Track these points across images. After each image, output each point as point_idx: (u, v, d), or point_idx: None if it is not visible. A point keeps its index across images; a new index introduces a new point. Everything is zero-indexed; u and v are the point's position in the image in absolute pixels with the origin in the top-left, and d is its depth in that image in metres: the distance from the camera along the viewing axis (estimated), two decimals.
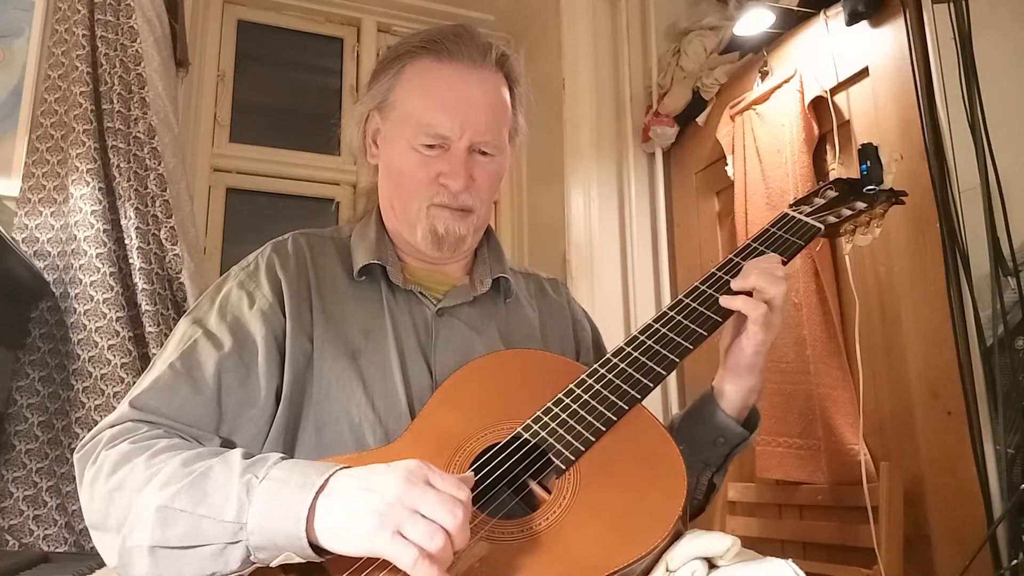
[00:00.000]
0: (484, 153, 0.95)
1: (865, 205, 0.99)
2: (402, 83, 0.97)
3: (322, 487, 0.67)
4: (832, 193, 1.02)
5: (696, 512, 0.97)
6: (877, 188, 1.01)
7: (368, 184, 1.09)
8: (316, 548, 0.66)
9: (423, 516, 0.63)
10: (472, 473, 0.74)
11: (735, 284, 0.89)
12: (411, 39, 0.99)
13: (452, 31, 0.96)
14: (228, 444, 0.83)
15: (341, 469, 0.69)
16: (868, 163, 1.02)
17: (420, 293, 0.97)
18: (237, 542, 0.66)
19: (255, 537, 0.66)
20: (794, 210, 1.00)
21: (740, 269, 0.91)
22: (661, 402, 2.13)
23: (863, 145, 1.04)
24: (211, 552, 0.67)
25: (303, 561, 0.67)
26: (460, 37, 0.95)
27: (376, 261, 0.96)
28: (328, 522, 0.65)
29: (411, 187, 0.96)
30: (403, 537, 0.62)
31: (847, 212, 0.99)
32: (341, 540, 0.65)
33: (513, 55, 1.01)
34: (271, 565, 0.68)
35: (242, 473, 0.69)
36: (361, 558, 0.66)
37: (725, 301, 0.88)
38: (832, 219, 0.98)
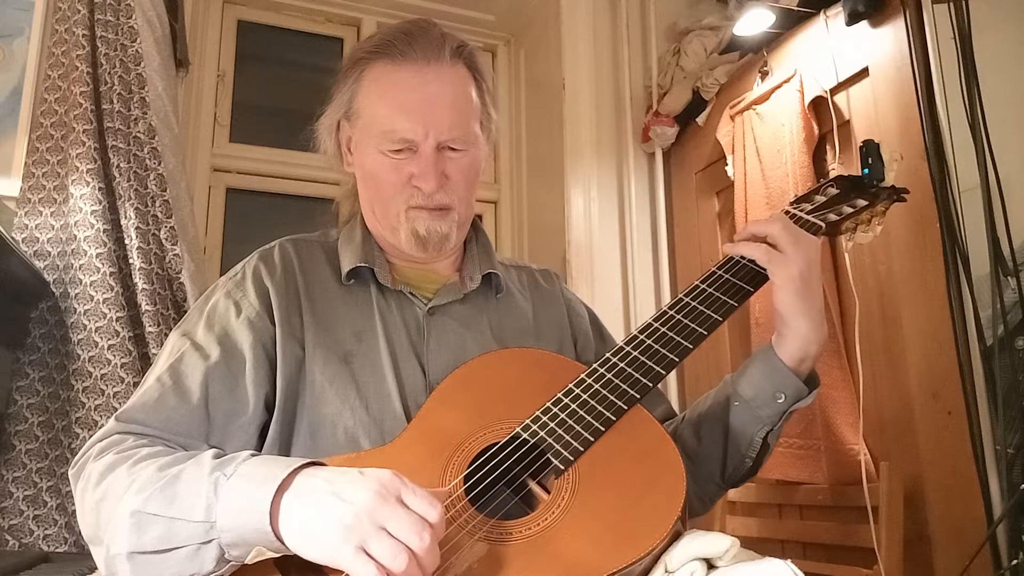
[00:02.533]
0: (454, 149, 0.94)
1: (866, 202, 0.99)
2: (362, 90, 0.96)
3: (286, 481, 0.66)
4: (833, 190, 1.01)
5: (748, 474, 0.95)
6: (878, 185, 1.01)
7: (347, 188, 1.09)
8: (285, 543, 0.66)
9: (389, 534, 0.62)
10: (447, 489, 0.73)
11: (727, 248, 0.92)
12: (365, 43, 0.99)
13: (404, 30, 0.95)
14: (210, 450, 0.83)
15: (309, 465, 0.69)
16: (870, 160, 1.01)
17: (410, 293, 0.97)
18: (210, 541, 0.67)
19: (226, 535, 0.66)
20: (795, 208, 0.99)
21: (740, 266, 0.91)
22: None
23: (865, 142, 1.03)
24: (186, 554, 0.67)
25: (277, 555, 0.67)
26: (412, 35, 0.94)
27: (363, 264, 0.96)
28: (293, 523, 0.65)
29: (386, 192, 0.95)
30: (366, 553, 0.62)
31: (848, 210, 0.98)
32: (304, 544, 0.65)
33: (473, 45, 0.99)
34: (247, 562, 0.68)
35: (211, 472, 0.69)
36: None
37: (728, 248, 0.91)
38: (833, 217, 0.97)
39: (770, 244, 0.89)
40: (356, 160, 1.00)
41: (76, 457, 0.82)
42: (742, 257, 0.92)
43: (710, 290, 0.90)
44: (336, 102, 1.00)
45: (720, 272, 0.92)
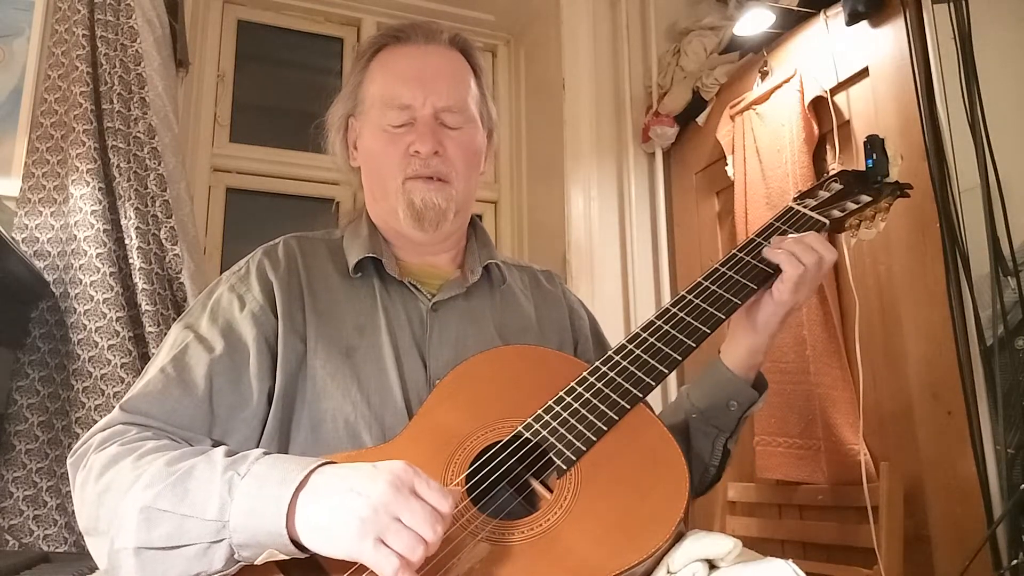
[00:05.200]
0: (452, 126, 0.98)
1: (870, 198, 0.98)
2: (368, 76, 1.01)
3: (303, 483, 0.66)
4: (837, 185, 1.00)
5: (712, 482, 0.98)
6: (883, 181, 1.00)
7: (361, 199, 1.11)
8: (298, 545, 0.66)
9: (405, 526, 0.63)
10: (460, 487, 0.74)
11: (767, 252, 0.90)
12: (370, 38, 1.05)
13: (408, 22, 1.02)
14: (220, 446, 0.83)
15: (323, 465, 0.69)
16: (874, 155, 1.01)
17: (414, 287, 0.97)
18: (220, 540, 0.66)
19: (238, 535, 0.66)
20: (798, 204, 0.99)
21: (743, 263, 0.91)
22: (661, 401, 2.12)
23: (869, 137, 1.02)
24: (195, 552, 0.67)
25: (286, 558, 0.67)
26: (415, 24, 1.01)
27: (371, 254, 0.97)
28: (310, 521, 0.65)
29: (385, 165, 0.97)
30: (385, 545, 0.62)
31: (852, 206, 0.97)
32: (323, 541, 0.65)
33: (470, 40, 1.05)
34: (256, 563, 0.67)
35: (224, 470, 0.69)
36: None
37: (769, 252, 0.89)
38: (837, 213, 0.96)
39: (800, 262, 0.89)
40: (360, 150, 1.03)
41: (76, 445, 0.81)
42: (746, 254, 0.92)
43: (713, 287, 0.89)
44: (343, 96, 1.04)
45: (724, 269, 0.91)
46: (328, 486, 0.66)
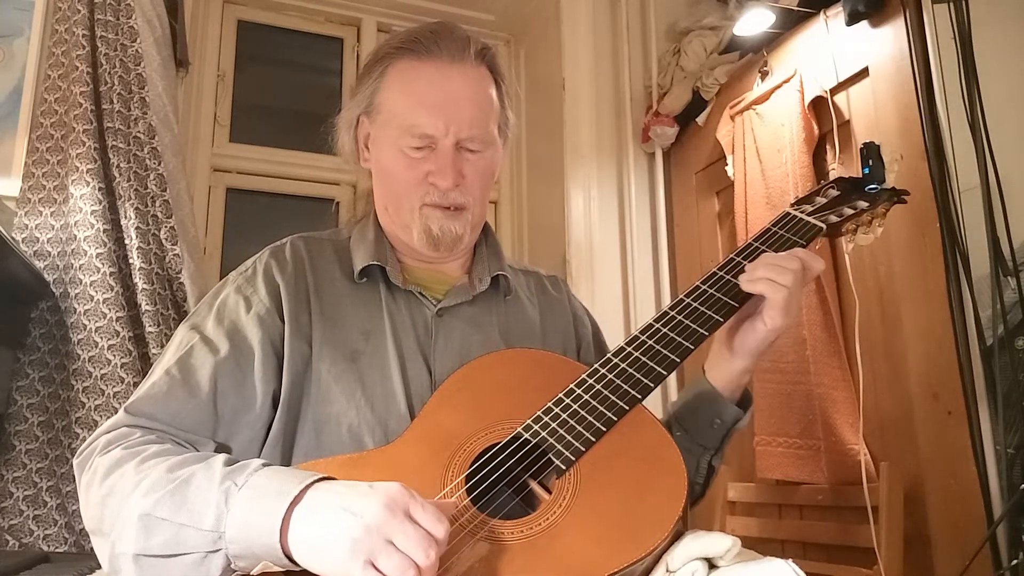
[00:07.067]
0: (472, 150, 0.95)
1: (867, 204, 0.99)
2: (385, 85, 0.96)
3: (298, 497, 0.66)
4: (834, 192, 1.01)
5: (697, 498, 0.98)
6: (879, 187, 1.01)
7: (365, 187, 1.10)
8: (291, 559, 0.66)
9: (397, 549, 0.62)
10: (456, 500, 0.73)
11: (743, 279, 0.88)
12: (391, 40, 0.99)
13: (431, 28, 0.96)
14: (224, 449, 0.83)
15: (320, 480, 0.68)
16: (870, 162, 1.01)
17: (420, 293, 0.97)
18: (217, 551, 0.66)
19: (234, 546, 0.66)
20: (796, 209, 0.99)
21: (742, 268, 0.91)
22: (661, 402, 2.13)
23: (865, 144, 1.03)
24: (192, 560, 0.67)
25: (282, 570, 0.67)
26: (439, 34, 0.95)
27: (375, 262, 0.96)
28: (302, 537, 0.65)
29: (401, 189, 0.95)
30: (375, 568, 0.62)
31: (849, 211, 0.98)
32: (314, 558, 0.64)
33: (495, 48, 1.01)
34: (252, 574, 0.67)
35: (222, 480, 0.69)
36: None
37: (747, 284, 0.87)
38: (834, 218, 0.97)
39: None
40: (373, 156, 1.01)
41: (81, 447, 0.81)
42: (744, 259, 0.92)
43: (711, 291, 0.90)
44: (358, 97, 1.00)
45: (722, 274, 0.92)
46: (323, 503, 0.66)
